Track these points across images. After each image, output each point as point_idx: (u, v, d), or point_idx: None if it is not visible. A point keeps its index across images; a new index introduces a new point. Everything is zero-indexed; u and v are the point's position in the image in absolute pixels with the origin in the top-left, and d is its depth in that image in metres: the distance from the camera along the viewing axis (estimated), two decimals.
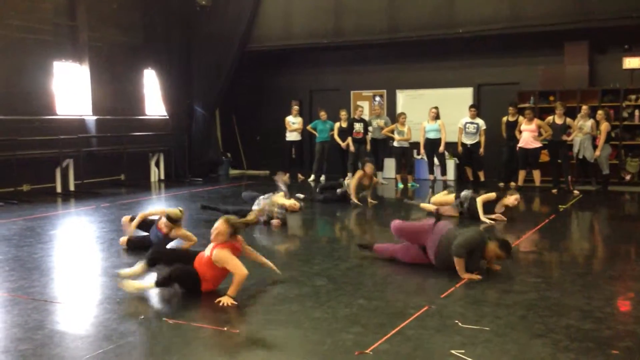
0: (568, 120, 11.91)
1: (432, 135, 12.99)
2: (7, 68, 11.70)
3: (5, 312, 4.82)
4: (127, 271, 5.44)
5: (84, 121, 13.39)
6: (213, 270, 5.13)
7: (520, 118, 12.32)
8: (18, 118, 11.81)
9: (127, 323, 4.52)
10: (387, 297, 5.19)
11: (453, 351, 3.87)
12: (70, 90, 13.32)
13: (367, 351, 3.89)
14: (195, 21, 15.40)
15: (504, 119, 12.71)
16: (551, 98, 13.16)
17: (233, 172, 16.46)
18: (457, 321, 4.44)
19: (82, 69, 13.44)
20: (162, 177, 14.94)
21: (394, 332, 4.23)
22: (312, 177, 14.33)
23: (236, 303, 4.82)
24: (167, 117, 15.44)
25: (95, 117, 13.50)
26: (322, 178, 14.09)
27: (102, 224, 8.74)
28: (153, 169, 14.82)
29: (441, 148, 12.96)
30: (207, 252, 5.21)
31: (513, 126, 12.42)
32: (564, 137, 11.89)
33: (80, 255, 6.83)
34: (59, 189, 12.25)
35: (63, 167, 12.32)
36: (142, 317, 4.64)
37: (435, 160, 13.28)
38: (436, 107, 13.10)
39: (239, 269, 5.01)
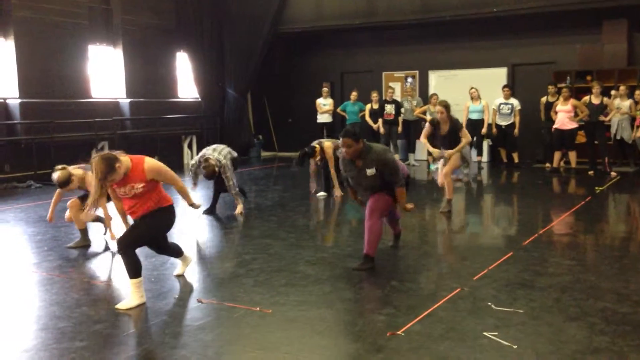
0: (605, 100, 11.63)
1: (475, 116, 12.73)
2: (43, 51, 11.90)
3: (44, 291, 4.95)
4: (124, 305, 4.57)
5: (118, 104, 13.58)
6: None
7: (560, 99, 12.07)
8: (55, 101, 12.03)
9: (161, 302, 4.60)
10: (419, 279, 5.17)
11: (486, 333, 3.85)
12: (105, 73, 13.50)
13: (399, 332, 3.89)
14: (226, 3, 15.42)
15: (543, 99, 12.43)
16: (588, 78, 12.85)
17: (265, 154, 16.53)
18: (490, 303, 4.40)
19: (116, 52, 13.59)
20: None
21: (426, 313, 4.22)
22: None
23: None
24: (200, 100, 15.55)
25: (129, 100, 13.67)
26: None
27: None
28: (186, 150, 14.98)
29: (484, 129, 12.73)
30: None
31: (551, 107, 12.17)
32: (601, 118, 11.63)
33: (115, 235, 6.94)
34: None
35: (98, 149, 12.53)
36: (176, 296, 4.71)
37: None
38: (474, 87, 12.85)
39: None
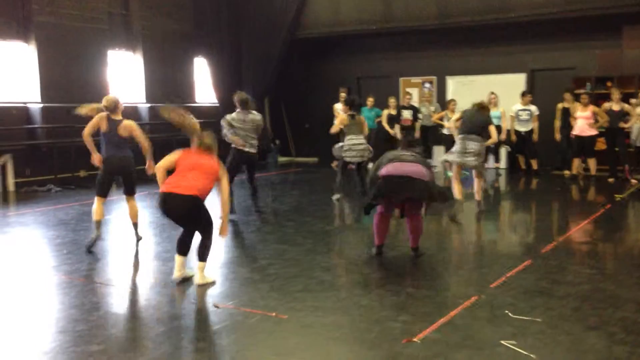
0: (626, 106, 11.50)
1: (493, 122, 12.62)
2: (64, 57, 12.05)
3: (63, 294, 5.00)
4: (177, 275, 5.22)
5: (137, 109, 13.69)
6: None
7: (575, 104, 11.95)
8: (75, 106, 12.06)
9: (178, 307, 4.62)
10: (435, 286, 5.14)
11: (504, 342, 3.82)
12: (124, 78, 13.63)
13: (415, 339, 3.87)
14: (244, 9, 15.49)
15: (560, 105, 12.30)
16: (608, 84, 12.71)
17: (281, 159, 16.56)
18: (507, 311, 4.37)
19: (135, 57, 13.72)
20: None
21: (442, 321, 4.20)
22: None
23: None
24: (218, 105, 15.62)
25: (147, 105, 13.77)
26: (369, 165, 14.03)
27: (155, 209, 8.91)
28: None
29: (502, 136, 12.60)
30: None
31: (569, 113, 12.06)
32: (621, 124, 11.50)
33: (133, 240, 7.00)
34: None
35: None
36: (193, 301, 4.73)
37: None
38: (494, 93, 12.74)
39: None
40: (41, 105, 11.66)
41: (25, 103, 11.62)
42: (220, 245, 6.88)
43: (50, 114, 11.73)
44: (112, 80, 13.16)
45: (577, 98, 12.09)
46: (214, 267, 5.86)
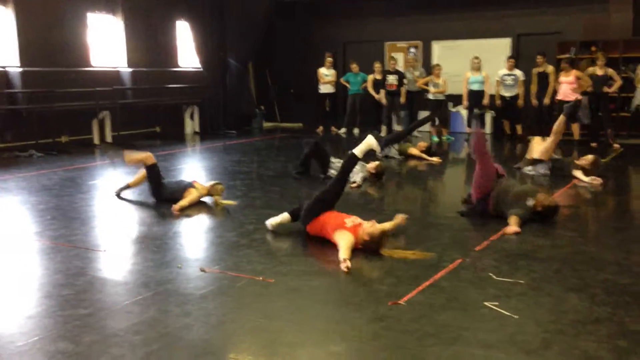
0: (609, 71, 11.52)
1: (475, 87, 12.68)
2: (42, 19, 11.78)
3: (47, 259, 4.98)
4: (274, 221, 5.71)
5: (119, 73, 13.48)
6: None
7: (550, 68, 12.00)
8: (55, 70, 11.93)
9: (164, 271, 4.62)
10: (421, 250, 5.18)
11: (487, 303, 3.88)
12: (105, 42, 13.38)
13: (400, 302, 3.91)
14: None
15: (535, 70, 12.33)
16: (593, 48, 12.72)
17: (266, 124, 16.48)
18: (491, 274, 4.43)
19: (116, 20, 13.45)
20: (197, 129, 15.05)
21: (427, 283, 4.25)
22: (344, 130, 14.26)
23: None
24: (202, 70, 15.43)
25: (130, 69, 13.56)
26: (356, 131, 14.04)
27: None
28: (188, 121, 14.93)
29: (485, 100, 12.66)
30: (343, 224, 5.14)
31: (541, 77, 12.11)
32: (605, 89, 11.54)
33: (118, 205, 6.97)
34: (96, 141, 12.45)
35: (100, 118, 12.48)
36: (179, 265, 4.73)
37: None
38: (478, 57, 12.75)
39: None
40: (20, 69, 11.44)
41: (4, 67, 11.39)
42: (206, 210, 6.87)
43: (29, 78, 11.51)
44: (93, 44, 12.92)
45: (559, 63, 12.11)
46: (200, 232, 5.87)
